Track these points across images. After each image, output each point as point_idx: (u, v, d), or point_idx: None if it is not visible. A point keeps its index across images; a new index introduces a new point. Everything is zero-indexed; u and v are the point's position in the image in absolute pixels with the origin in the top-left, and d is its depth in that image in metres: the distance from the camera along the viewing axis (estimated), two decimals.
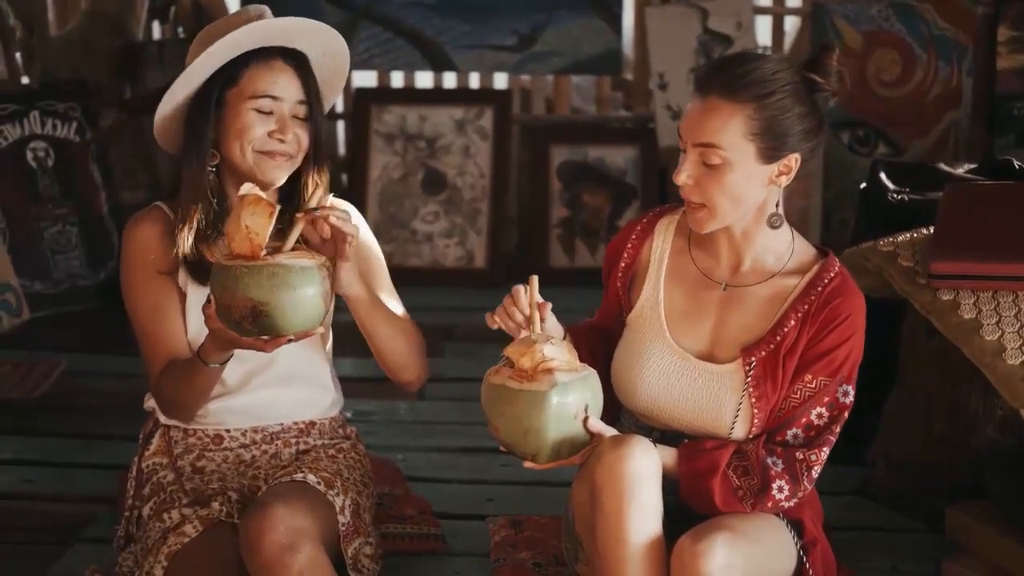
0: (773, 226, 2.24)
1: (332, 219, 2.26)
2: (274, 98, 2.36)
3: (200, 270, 2.40)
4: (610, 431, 2.17)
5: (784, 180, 2.20)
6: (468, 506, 3.23)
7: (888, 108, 5.02)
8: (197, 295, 2.43)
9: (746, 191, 2.18)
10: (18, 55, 5.15)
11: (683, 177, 2.19)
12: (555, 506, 3.04)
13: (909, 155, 4.98)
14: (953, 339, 2.77)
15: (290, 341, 2.24)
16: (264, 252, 2.17)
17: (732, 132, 2.14)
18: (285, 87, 2.37)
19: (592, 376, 2.17)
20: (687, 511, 2.27)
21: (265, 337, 2.20)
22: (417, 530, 2.96)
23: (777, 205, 2.24)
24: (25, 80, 5.19)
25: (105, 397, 3.98)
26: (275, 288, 2.13)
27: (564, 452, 2.14)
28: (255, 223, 2.15)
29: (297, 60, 2.41)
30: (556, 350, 2.13)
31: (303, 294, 2.16)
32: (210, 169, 2.40)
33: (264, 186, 2.37)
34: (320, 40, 2.45)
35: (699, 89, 2.18)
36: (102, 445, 3.61)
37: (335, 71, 2.51)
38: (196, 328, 2.43)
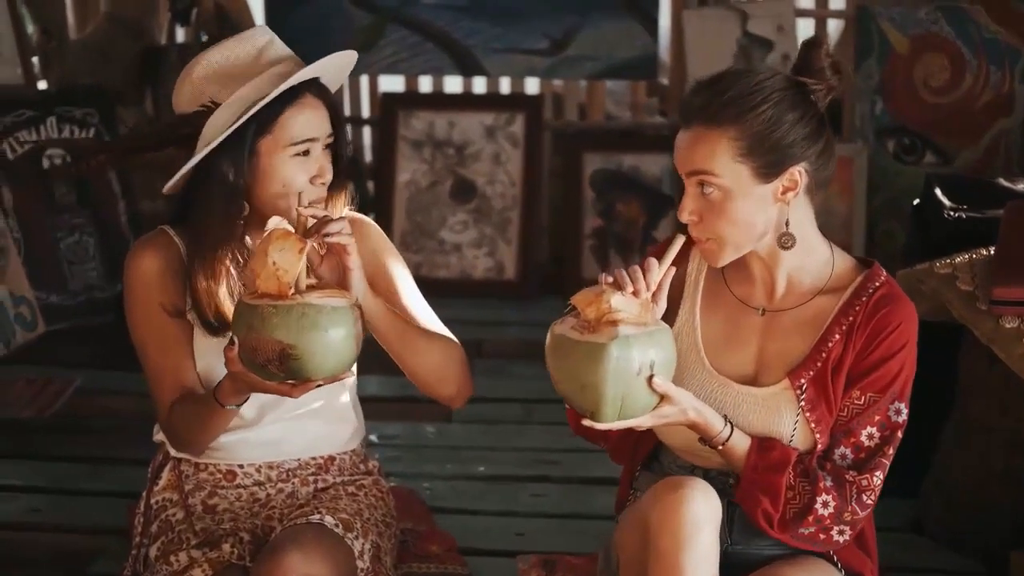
0: (784, 246, 2.12)
1: (329, 239, 2.15)
2: (312, 140, 2.26)
3: (217, 326, 2.29)
4: (679, 393, 2.04)
5: (791, 196, 2.09)
6: (496, 541, 3.13)
7: (936, 115, 4.91)
8: (205, 336, 2.32)
9: (752, 216, 2.08)
10: (35, 59, 5.09)
11: (685, 214, 2.11)
12: (588, 541, 2.99)
13: (958, 164, 4.88)
14: (1018, 371, 2.68)
15: (319, 386, 2.12)
16: (292, 291, 2.06)
17: (720, 157, 2.04)
18: (319, 125, 2.28)
19: (662, 332, 2.04)
20: (741, 559, 2.17)
21: (292, 382, 2.09)
22: (442, 570, 2.84)
23: (787, 224, 2.11)
24: (42, 85, 5.13)
25: (119, 417, 3.91)
26: (305, 330, 2.02)
27: (627, 411, 2.01)
28: (284, 260, 2.04)
29: (320, 88, 2.32)
30: (625, 302, 2.00)
31: (334, 336, 2.05)
32: (239, 223, 2.29)
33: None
34: (339, 64, 2.35)
35: (682, 119, 2.11)
36: (114, 471, 3.53)
37: (338, 82, 2.43)
38: (204, 364, 2.34)
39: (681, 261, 2.26)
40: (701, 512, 2.01)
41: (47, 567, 3.00)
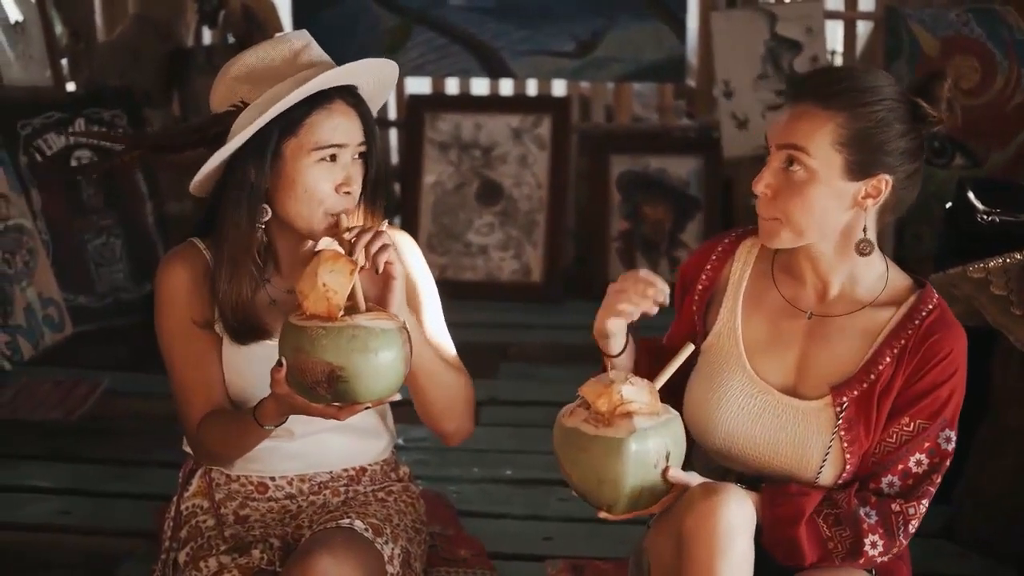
0: (862, 253, 2.08)
1: (372, 247, 2.12)
2: (339, 146, 2.21)
3: (241, 332, 2.26)
4: (694, 480, 2.04)
5: (871, 203, 2.05)
6: (524, 545, 3.11)
7: (966, 118, 4.77)
8: (234, 345, 2.30)
9: (827, 209, 2.05)
10: (64, 61, 5.09)
11: (761, 186, 2.07)
12: (617, 546, 2.95)
13: (988, 167, 4.81)
14: None
15: (366, 408, 2.10)
16: (341, 312, 2.03)
17: (820, 139, 2.02)
18: (348, 132, 2.22)
19: (674, 420, 2.03)
20: (771, 563, 2.11)
21: (338, 404, 2.06)
22: (471, 574, 2.80)
23: (865, 231, 2.08)
24: (71, 87, 5.13)
25: (147, 419, 3.91)
26: (355, 352, 1.99)
27: (643, 502, 2.00)
28: (334, 281, 2.01)
29: (355, 97, 2.26)
30: (636, 391, 1.98)
31: (384, 358, 2.01)
32: (259, 226, 2.25)
33: (315, 237, 2.24)
34: (376, 73, 2.30)
35: (792, 94, 2.09)
36: (142, 473, 3.53)
37: (380, 98, 2.38)
38: (232, 375, 2.31)
39: (725, 259, 2.25)
40: (736, 519, 1.97)
41: (76, 569, 2.99)
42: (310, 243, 2.27)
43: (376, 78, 2.30)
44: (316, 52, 2.27)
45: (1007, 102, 4.80)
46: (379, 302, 2.15)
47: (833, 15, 5.31)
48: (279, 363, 2.06)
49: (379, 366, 2.00)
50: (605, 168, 5.38)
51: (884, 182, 2.03)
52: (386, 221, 2.29)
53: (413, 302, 2.31)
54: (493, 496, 3.41)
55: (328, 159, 2.20)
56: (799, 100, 2.06)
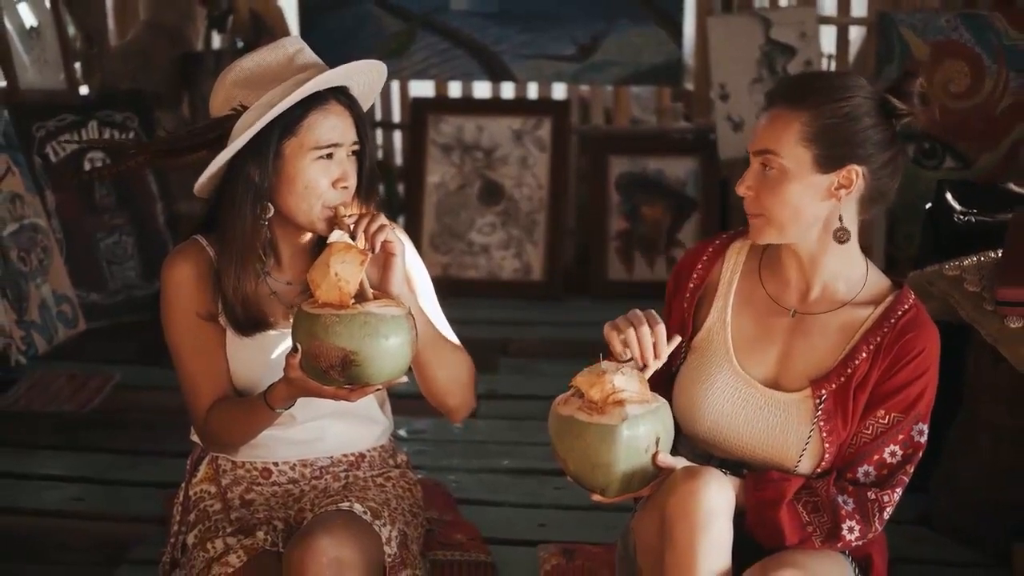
0: (840, 240, 2.17)
1: (370, 228, 2.22)
2: (335, 144, 2.31)
3: (246, 324, 2.36)
4: (681, 464, 2.13)
5: (844, 194, 2.14)
6: (519, 531, 3.17)
7: (956, 120, 4.89)
8: (237, 336, 2.39)
9: (803, 203, 2.14)
10: (77, 65, 5.17)
11: (743, 188, 2.18)
12: (609, 532, 3.00)
13: (977, 169, 4.86)
14: (1022, 370, 2.67)
15: (377, 390, 2.20)
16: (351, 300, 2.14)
17: (788, 138, 2.12)
18: (344, 130, 2.32)
19: (663, 407, 2.12)
20: (751, 545, 2.21)
21: (349, 386, 2.16)
22: (466, 557, 2.90)
23: (841, 220, 2.17)
24: (84, 90, 5.20)
25: (157, 412, 3.98)
26: (366, 337, 2.10)
27: (634, 485, 2.10)
28: (345, 271, 2.12)
29: (348, 97, 2.36)
30: (627, 380, 2.07)
31: (393, 343, 2.12)
32: (263, 223, 2.35)
33: (315, 229, 2.34)
34: (367, 74, 2.40)
35: (767, 100, 2.20)
36: (152, 462, 3.60)
37: (370, 97, 2.47)
38: (237, 365, 2.40)
39: (715, 260, 2.34)
40: (715, 502, 2.06)
41: (89, 553, 3.07)
42: (308, 235, 2.39)
43: (367, 79, 2.39)
44: (309, 56, 2.36)
45: (996, 105, 4.84)
46: (381, 279, 2.25)
47: (826, 20, 5.36)
48: (294, 349, 2.16)
49: (389, 350, 2.11)
50: (604, 169, 5.44)
51: (855, 172, 2.13)
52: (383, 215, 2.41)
53: (410, 289, 2.38)
54: (491, 485, 3.47)
55: (325, 157, 2.29)
56: (772, 105, 2.16)
